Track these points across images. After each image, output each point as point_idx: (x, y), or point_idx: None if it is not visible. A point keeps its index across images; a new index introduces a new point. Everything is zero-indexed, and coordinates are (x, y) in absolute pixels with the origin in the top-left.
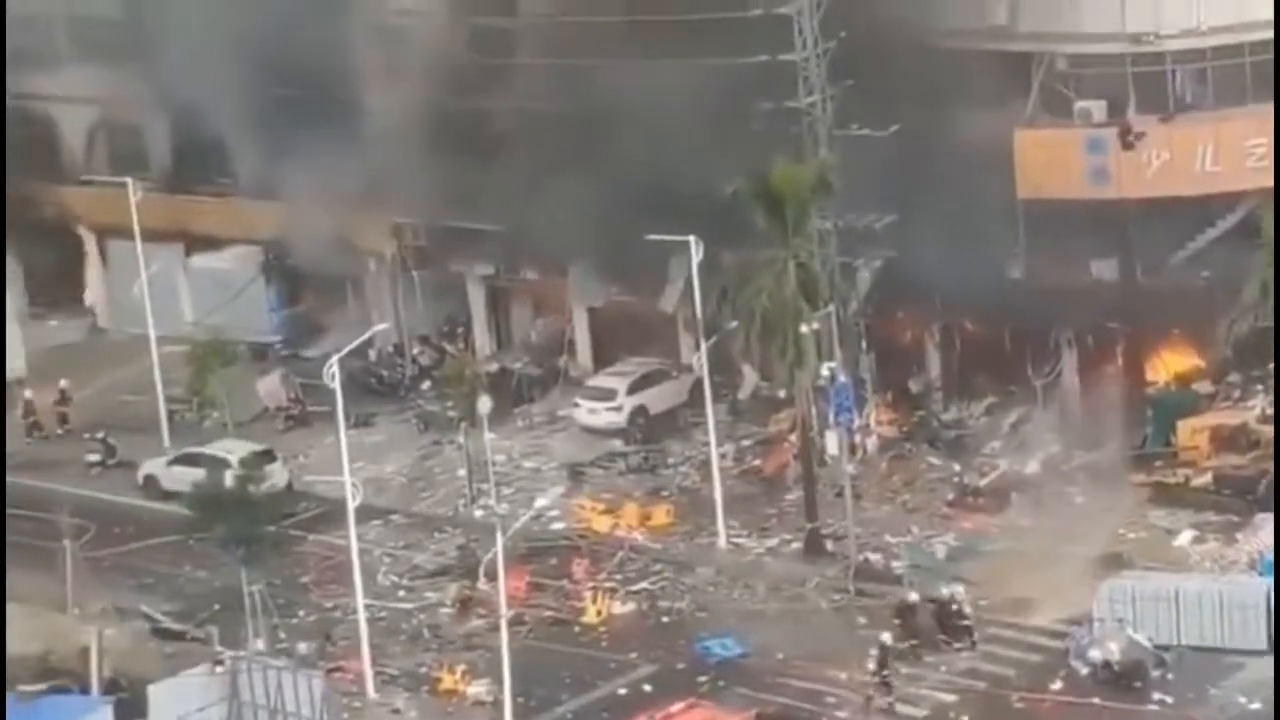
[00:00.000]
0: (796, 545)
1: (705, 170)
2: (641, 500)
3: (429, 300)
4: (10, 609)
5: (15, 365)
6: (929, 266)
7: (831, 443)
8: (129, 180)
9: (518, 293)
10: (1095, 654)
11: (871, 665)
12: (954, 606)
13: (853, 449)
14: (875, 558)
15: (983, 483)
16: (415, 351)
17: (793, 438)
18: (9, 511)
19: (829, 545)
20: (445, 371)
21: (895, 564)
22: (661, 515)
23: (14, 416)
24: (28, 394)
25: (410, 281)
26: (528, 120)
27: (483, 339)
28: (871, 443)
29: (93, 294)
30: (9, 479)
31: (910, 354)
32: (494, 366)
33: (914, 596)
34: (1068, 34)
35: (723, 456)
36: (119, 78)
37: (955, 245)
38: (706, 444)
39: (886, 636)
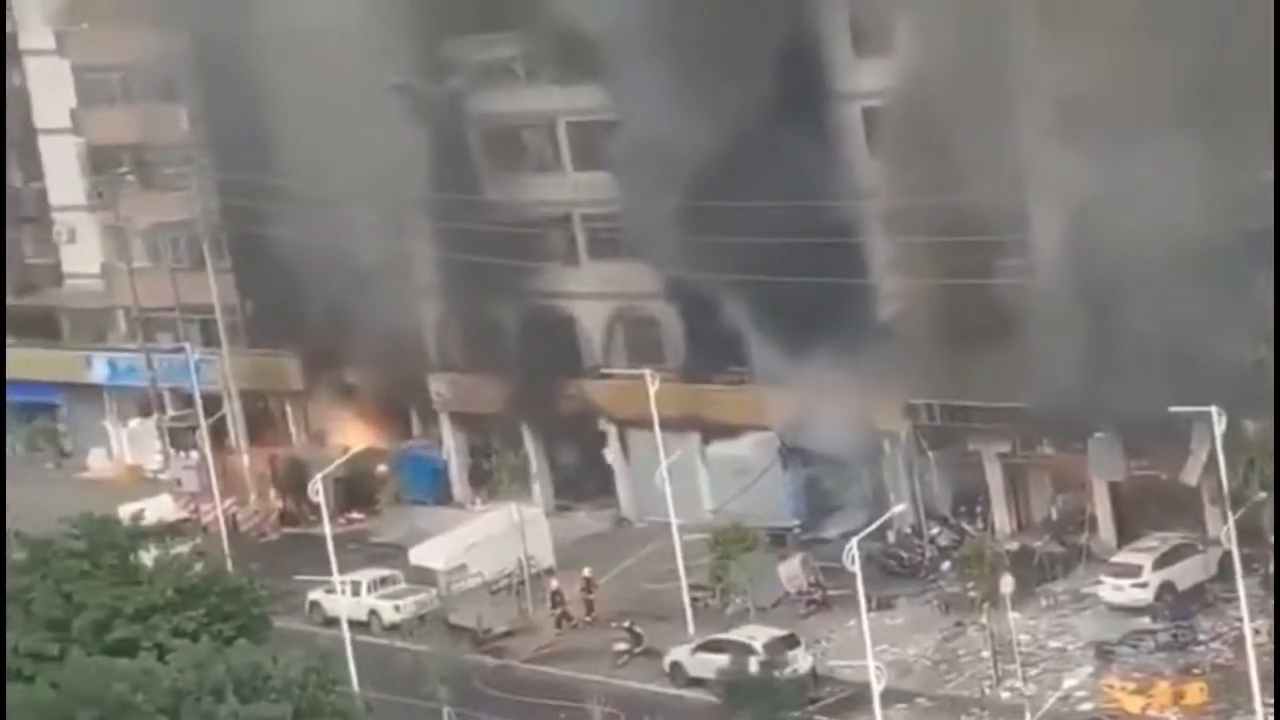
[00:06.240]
0: None
1: (1224, 337)
2: (1173, 679)
3: (946, 480)
4: None
5: (544, 557)
6: None
7: None
8: (647, 371)
9: (1035, 469)
10: None
11: None
12: None
13: None
14: None
15: None
16: (934, 532)
17: None
18: (545, 702)
19: None
20: (965, 551)
21: None
22: (1195, 694)
23: (544, 608)
24: (554, 584)
25: (926, 461)
26: (1038, 296)
27: (1002, 517)
28: None
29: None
30: (541, 669)
31: None
32: (1015, 545)
33: None
34: None
35: (1256, 632)
36: (633, 272)
37: None
38: (1239, 619)
39: None
